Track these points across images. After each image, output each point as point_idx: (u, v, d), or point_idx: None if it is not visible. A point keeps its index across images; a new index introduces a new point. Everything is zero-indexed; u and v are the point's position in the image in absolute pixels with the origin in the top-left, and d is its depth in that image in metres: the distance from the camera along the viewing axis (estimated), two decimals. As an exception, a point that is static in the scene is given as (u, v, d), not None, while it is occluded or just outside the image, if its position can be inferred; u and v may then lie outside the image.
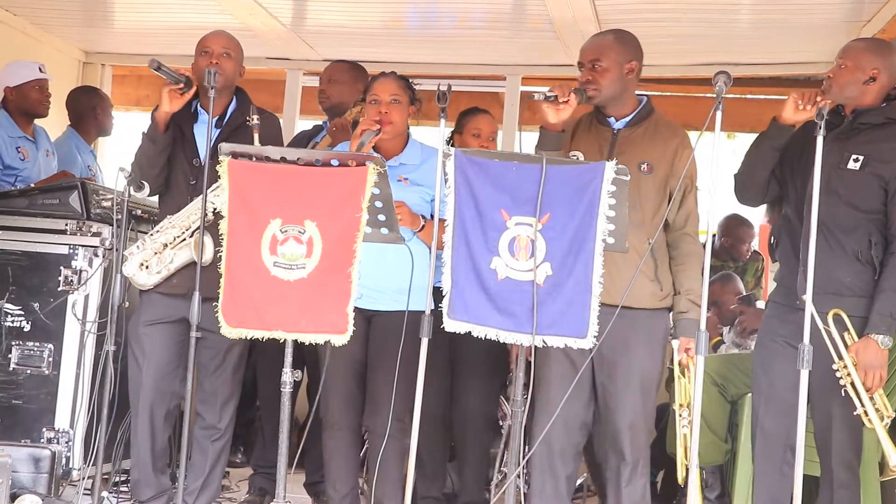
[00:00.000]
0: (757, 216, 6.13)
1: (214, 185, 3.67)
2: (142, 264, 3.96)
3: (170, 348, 3.97)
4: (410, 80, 3.99)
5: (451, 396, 4.49)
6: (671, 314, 3.64)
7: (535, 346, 3.17)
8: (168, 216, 3.97)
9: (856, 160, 3.65)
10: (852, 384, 3.52)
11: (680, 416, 3.50)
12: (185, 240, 3.92)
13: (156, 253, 3.95)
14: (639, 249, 3.54)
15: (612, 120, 3.69)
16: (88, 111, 5.68)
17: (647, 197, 3.58)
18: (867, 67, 3.67)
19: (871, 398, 3.52)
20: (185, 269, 3.91)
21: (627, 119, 3.69)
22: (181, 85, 3.83)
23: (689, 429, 3.47)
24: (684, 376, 3.49)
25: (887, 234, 3.63)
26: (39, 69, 5.28)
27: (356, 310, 3.73)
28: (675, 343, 3.55)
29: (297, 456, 3.93)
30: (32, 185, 4.80)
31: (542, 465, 3.57)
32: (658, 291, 3.58)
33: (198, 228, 3.79)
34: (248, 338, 3.35)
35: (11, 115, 5.21)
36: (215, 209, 3.64)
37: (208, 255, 3.75)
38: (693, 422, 3.39)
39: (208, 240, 3.74)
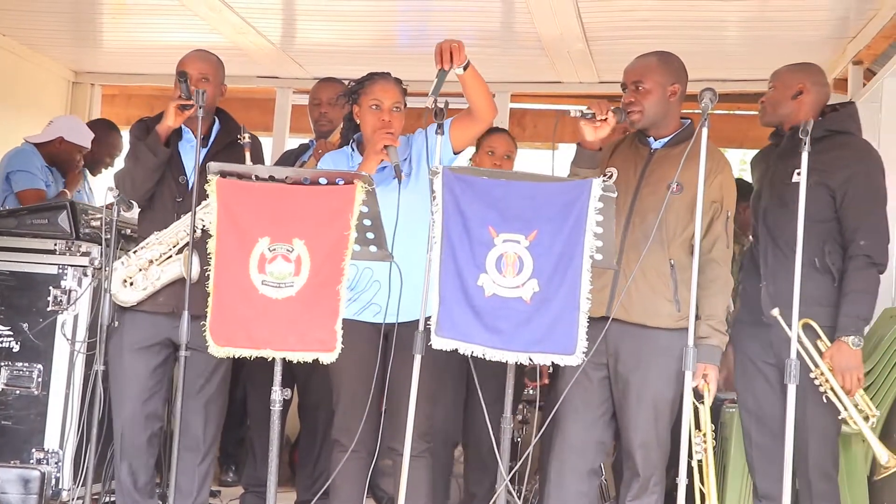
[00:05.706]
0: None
1: (203, 203, 3.67)
2: (125, 280, 3.93)
3: (152, 372, 3.95)
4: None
5: (464, 412, 4.51)
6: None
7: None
8: (155, 232, 3.95)
9: (799, 173, 3.70)
10: (832, 390, 3.57)
11: (696, 444, 3.49)
12: (171, 256, 3.90)
13: (140, 269, 3.93)
14: (659, 268, 3.53)
15: (651, 140, 3.70)
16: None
17: (675, 216, 3.53)
18: (793, 84, 3.86)
19: (853, 400, 3.57)
20: (170, 287, 3.89)
21: (666, 140, 3.69)
22: (189, 102, 3.82)
23: (704, 457, 3.48)
24: (701, 403, 3.48)
25: (843, 241, 3.72)
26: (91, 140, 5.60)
27: (371, 326, 3.69)
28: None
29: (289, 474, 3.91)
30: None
31: (555, 482, 3.58)
32: (675, 312, 3.53)
33: (185, 245, 3.79)
34: (234, 357, 3.34)
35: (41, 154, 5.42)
36: (204, 226, 3.64)
37: (195, 273, 3.74)
38: (707, 449, 3.45)
39: (195, 257, 3.73)
